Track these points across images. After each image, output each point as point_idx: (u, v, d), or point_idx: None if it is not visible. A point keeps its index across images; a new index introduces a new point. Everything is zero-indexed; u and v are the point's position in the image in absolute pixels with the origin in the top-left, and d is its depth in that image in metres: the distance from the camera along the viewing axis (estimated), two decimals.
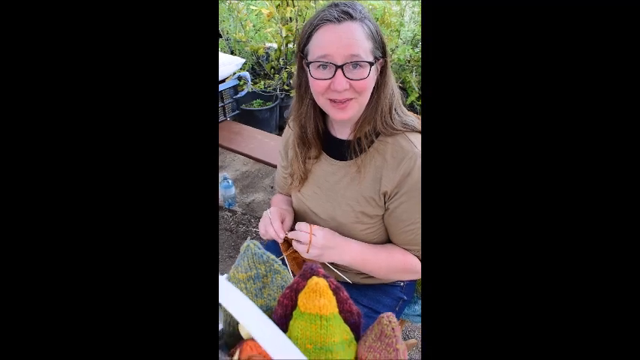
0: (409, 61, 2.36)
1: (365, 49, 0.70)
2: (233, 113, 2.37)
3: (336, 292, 0.45)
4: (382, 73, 0.77)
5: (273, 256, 0.52)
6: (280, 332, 0.33)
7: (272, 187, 2.40)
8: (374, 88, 0.76)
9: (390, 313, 0.43)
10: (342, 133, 0.86)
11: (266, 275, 0.51)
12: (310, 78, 0.74)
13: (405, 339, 1.57)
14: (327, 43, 0.70)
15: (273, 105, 2.73)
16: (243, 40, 2.80)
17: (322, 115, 0.86)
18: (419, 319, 1.12)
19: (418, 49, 2.32)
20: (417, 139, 0.79)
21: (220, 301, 0.35)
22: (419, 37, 2.35)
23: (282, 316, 0.47)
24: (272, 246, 1.06)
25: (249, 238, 2.05)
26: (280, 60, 2.85)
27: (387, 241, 0.90)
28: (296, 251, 0.82)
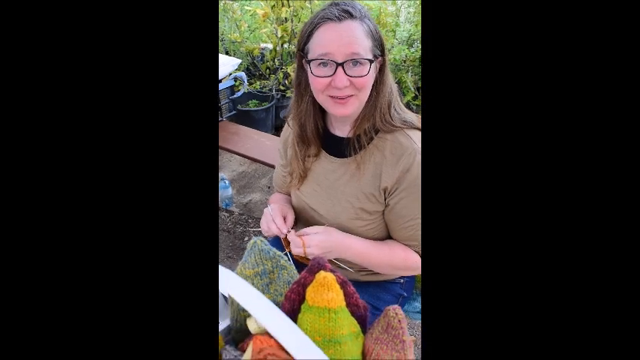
0: (405, 61, 2.38)
1: (365, 48, 0.72)
2: (229, 114, 2.37)
3: (342, 286, 0.46)
4: (381, 71, 0.78)
5: (279, 253, 0.53)
6: (298, 328, 0.34)
7: (269, 187, 2.40)
8: (373, 85, 0.77)
9: (396, 306, 0.45)
10: (341, 130, 0.87)
11: (272, 271, 0.52)
12: (311, 75, 0.75)
13: None
14: (328, 41, 0.71)
15: (269, 105, 2.73)
16: (239, 40, 2.80)
17: (321, 113, 0.87)
18: (418, 315, 1.14)
19: (414, 49, 2.34)
20: (415, 136, 0.81)
21: (238, 299, 0.36)
22: (414, 37, 2.36)
23: (290, 310, 0.47)
24: (274, 243, 1.07)
25: (245, 238, 2.06)
26: (276, 60, 2.85)
27: (387, 237, 0.91)
28: None
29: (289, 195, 1.05)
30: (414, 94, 2.31)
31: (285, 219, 0.89)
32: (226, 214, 2.19)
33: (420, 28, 2.32)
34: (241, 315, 0.52)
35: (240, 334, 0.53)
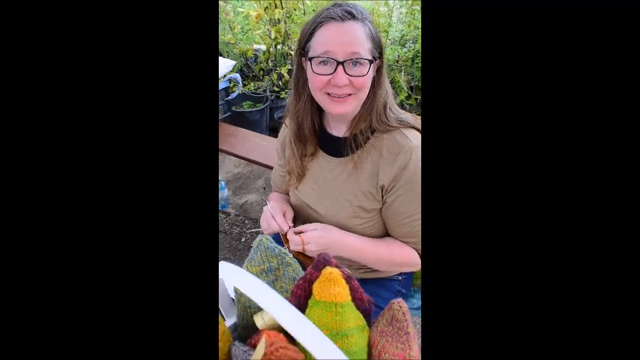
0: (397, 61, 2.40)
1: (365, 48, 0.73)
2: (224, 115, 2.38)
3: (348, 281, 0.47)
4: (378, 73, 0.80)
5: (284, 250, 0.54)
6: (309, 321, 0.35)
7: (265, 188, 2.41)
8: (370, 86, 0.79)
9: (400, 299, 0.46)
10: (338, 130, 0.88)
11: (278, 268, 0.53)
12: (311, 73, 0.77)
13: None
14: (330, 39, 0.73)
15: (264, 106, 2.74)
16: (232, 42, 2.80)
17: (319, 113, 0.89)
18: (416, 312, 1.15)
19: (406, 49, 2.36)
20: (411, 134, 0.82)
21: (250, 295, 0.37)
22: (407, 38, 2.39)
23: (296, 306, 0.48)
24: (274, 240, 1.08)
25: (242, 239, 2.07)
26: (269, 62, 2.86)
27: (385, 235, 0.93)
28: None
29: (287, 194, 1.06)
30: (407, 94, 2.34)
31: (284, 216, 0.91)
32: (223, 216, 2.20)
33: (412, 28, 2.34)
34: (248, 312, 0.53)
35: (247, 331, 0.54)
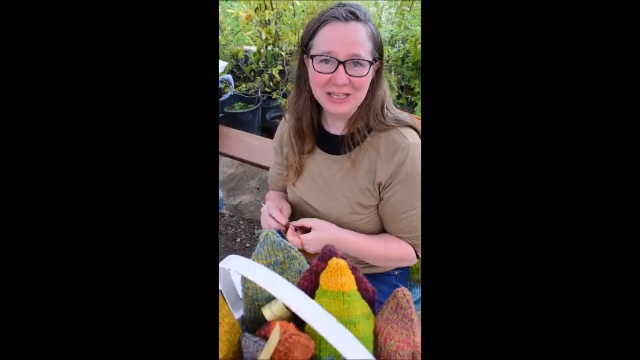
0: (387, 61, 2.43)
1: (366, 49, 0.75)
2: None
3: (353, 271, 0.49)
4: (377, 74, 0.82)
5: (290, 238, 0.55)
6: (322, 308, 0.36)
7: (258, 189, 2.41)
8: (369, 87, 0.81)
9: (403, 287, 0.48)
10: (336, 128, 0.90)
11: (284, 262, 0.55)
12: (312, 71, 0.78)
13: None
14: (332, 39, 0.75)
15: (255, 107, 2.74)
16: (222, 43, 2.80)
17: (318, 110, 0.90)
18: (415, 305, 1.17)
19: (396, 49, 2.39)
20: (408, 133, 0.84)
21: (263, 285, 0.38)
22: (397, 38, 2.42)
23: None
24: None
25: (238, 240, 2.07)
26: (260, 63, 2.87)
27: (382, 230, 0.95)
28: None
29: (284, 192, 1.08)
30: (397, 93, 2.37)
31: (281, 210, 0.92)
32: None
33: (401, 28, 2.37)
34: (255, 304, 0.55)
35: (254, 323, 0.56)
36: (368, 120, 0.84)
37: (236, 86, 2.77)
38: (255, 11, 2.56)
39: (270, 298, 0.53)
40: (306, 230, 0.87)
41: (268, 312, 0.51)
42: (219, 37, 2.81)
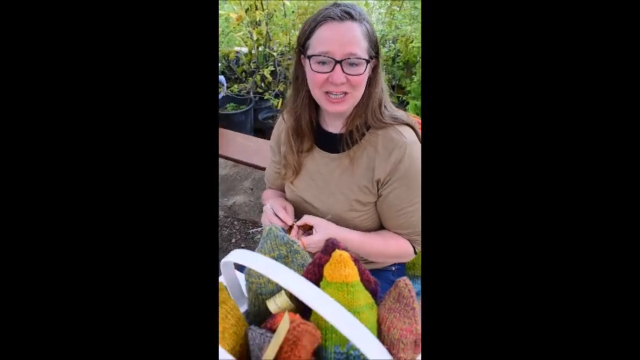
0: None
1: (362, 48, 0.77)
2: None
3: (355, 263, 0.51)
4: (374, 72, 0.84)
5: (293, 238, 0.56)
6: (330, 298, 0.37)
7: (252, 189, 2.42)
8: (366, 84, 0.82)
9: (405, 277, 0.49)
10: (334, 126, 0.91)
11: (287, 256, 0.56)
12: (310, 71, 0.80)
13: None
14: (328, 39, 0.76)
15: (248, 108, 2.75)
16: None
17: (316, 109, 0.92)
18: None
19: (386, 49, 2.42)
20: (405, 131, 0.86)
21: (273, 277, 0.39)
22: (387, 37, 2.44)
23: None
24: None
25: (233, 240, 2.07)
26: (251, 63, 2.87)
27: (379, 227, 0.96)
28: None
29: (281, 190, 1.09)
30: (389, 92, 2.39)
31: (285, 210, 0.93)
32: None
33: (392, 28, 2.40)
34: (259, 299, 0.56)
35: (258, 317, 0.57)
36: (366, 118, 0.86)
37: (228, 87, 2.77)
38: (246, 12, 2.57)
39: (274, 292, 0.54)
40: (307, 229, 0.88)
41: (273, 305, 0.52)
42: None
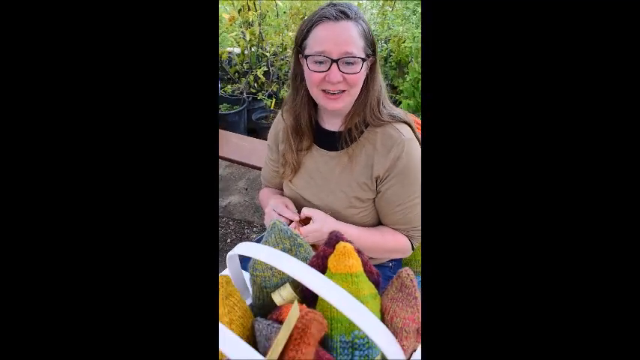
0: None
1: (358, 47, 0.78)
2: None
3: (358, 254, 0.52)
4: (371, 70, 0.85)
5: (296, 232, 0.58)
6: (338, 286, 0.38)
7: (246, 189, 2.42)
8: (364, 83, 0.84)
9: (407, 268, 0.51)
10: (333, 124, 0.93)
11: (291, 249, 0.57)
12: (307, 70, 0.81)
13: None
14: (324, 39, 0.78)
15: (241, 108, 2.75)
16: None
17: (314, 107, 0.93)
18: None
19: (379, 49, 2.44)
20: (403, 128, 0.88)
21: (281, 267, 0.40)
22: (380, 37, 2.46)
23: None
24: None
25: (228, 240, 2.07)
26: (244, 64, 2.87)
27: (378, 223, 0.98)
28: None
29: (278, 188, 1.09)
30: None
31: (287, 207, 0.94)
32: None
33: (384, 28, 2.42)
34: (264, 292, 0.57)
35: (263, 310, 0.58)
36: (364, 115, 0.87)
37: (221, 88, 2.77)
38: (239, 12, 2.57)
39: (279, 285, 0.55)
40: (306, 221, 0.89)
41: (278, 297, 0.53)
42: None
